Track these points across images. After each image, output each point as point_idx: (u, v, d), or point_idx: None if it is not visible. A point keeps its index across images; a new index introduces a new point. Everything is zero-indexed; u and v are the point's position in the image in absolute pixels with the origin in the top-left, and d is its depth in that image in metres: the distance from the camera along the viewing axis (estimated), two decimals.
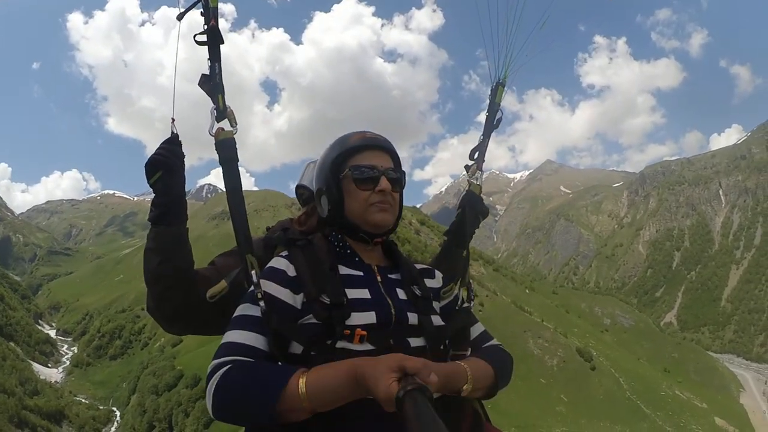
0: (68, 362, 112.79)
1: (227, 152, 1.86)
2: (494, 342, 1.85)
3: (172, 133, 1.96)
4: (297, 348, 1.50)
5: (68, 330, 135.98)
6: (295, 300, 1.57)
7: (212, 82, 1.91)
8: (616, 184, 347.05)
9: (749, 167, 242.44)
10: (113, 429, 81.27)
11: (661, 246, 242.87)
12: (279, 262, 1.66)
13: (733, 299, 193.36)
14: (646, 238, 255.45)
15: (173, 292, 1.90)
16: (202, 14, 1.94)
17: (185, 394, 69.99)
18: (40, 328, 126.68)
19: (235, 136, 1.90)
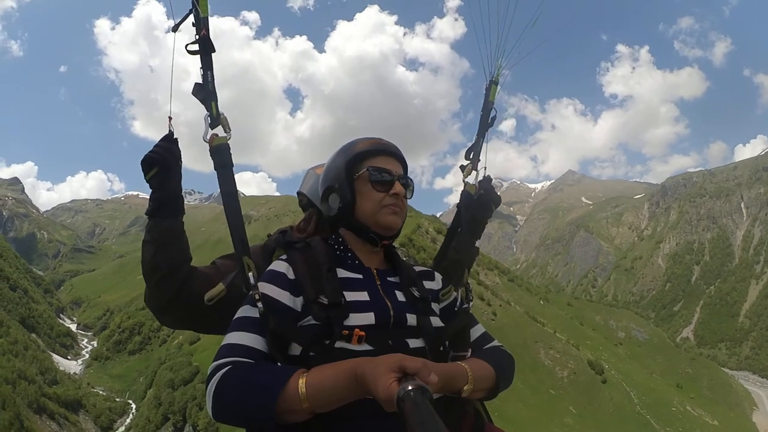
0: (87, 355, 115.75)
1: (221, 158, 1.90)
2: (495, 343, 1.87)
3: (170, 131, 2.00)
4: (296, 349, 1.50)
5: (89, 325, 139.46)
6: (295, 302, 1.58)
7: (205, 90, 1.94)
8: (638, 196, 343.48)
9: None
10: (128, 421, 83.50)
11: (680, 259, 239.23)
12: (279, 265, 1.67)
13: (752, 315, 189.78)
14: (666, 251, 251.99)
15: (167, 283, 1.94)
16: (193, 24, 1.97)
17: (200, 388, 71.29)
18: (61, 321, 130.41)
19: (228, 141, 1.94)
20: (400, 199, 1.76)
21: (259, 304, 1.52)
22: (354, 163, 1.77)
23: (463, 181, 2.48)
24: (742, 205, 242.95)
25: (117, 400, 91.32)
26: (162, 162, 1.92)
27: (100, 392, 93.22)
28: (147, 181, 1.95)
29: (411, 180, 1.86)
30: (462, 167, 2.53)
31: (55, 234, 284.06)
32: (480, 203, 2.46)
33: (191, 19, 2.01)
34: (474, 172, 2.49)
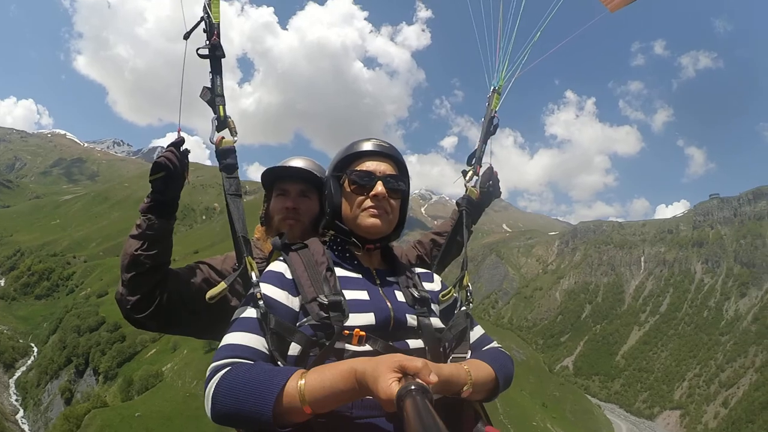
0: None
1: (228, 160, 1.94)
2: (495, 345, 1.86)
3: (183, 141, 2.04)
4: (296, 349, 1.48)
5: None
6: (293, 302, 1.58)
7: (214, 93, 1.98)
8: (552, 233, 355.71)
9: (673, 241, 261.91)
10: (30, 362, 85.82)
11: (575, 297, 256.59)
12: (276, 266, 1.68)
13: (628, 356, 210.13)
14: (564, 286, 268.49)
15: (147, 278, 1.97)
16: (204, 30, 2.01)
17: (105, 336, 75.64)
18: None
19: (235, 144, 1.98)
20: (384, 201, 1.74)
21: (261, 303, 1.51)
22: (340, 169, 1.80)
23: (465, 185, 2.59)
24: (642, 259, 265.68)
25: (20, 341, 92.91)
26: (170, 170, 1.95)
27: (5, 331, 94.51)
28: (150, 182, 1.99)
29: (403, 180, 1.83)
30: (464, 172, 2.65)
31: None
32: (486, 193, 2.69)
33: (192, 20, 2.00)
34: (475, 177, 2.63)
